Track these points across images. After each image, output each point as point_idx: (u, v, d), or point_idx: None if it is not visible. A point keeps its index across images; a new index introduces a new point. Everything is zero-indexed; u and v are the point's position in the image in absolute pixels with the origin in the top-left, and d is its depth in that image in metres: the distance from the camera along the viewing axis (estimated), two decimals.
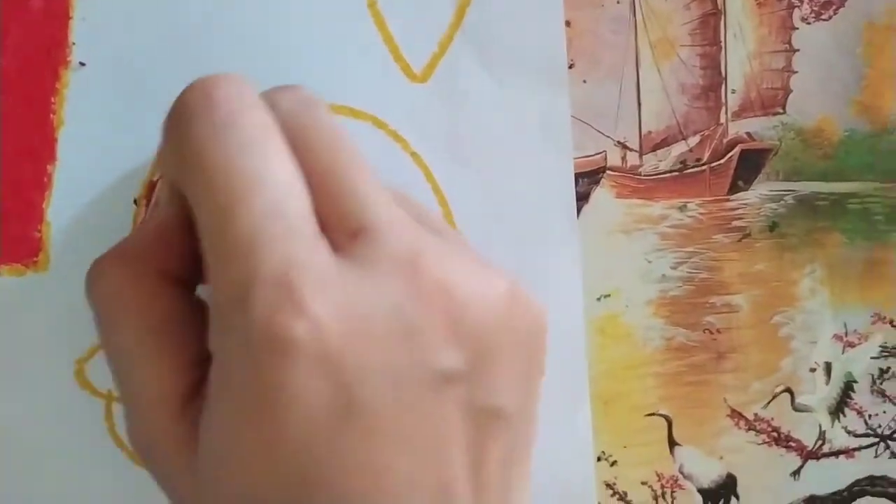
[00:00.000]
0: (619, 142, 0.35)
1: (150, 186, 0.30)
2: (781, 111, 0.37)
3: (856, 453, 0.39)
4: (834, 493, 0.39)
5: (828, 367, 0.38)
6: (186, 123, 0.23)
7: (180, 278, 0.26)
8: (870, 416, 0.39)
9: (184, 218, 0.25)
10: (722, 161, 0.36)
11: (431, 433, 0.22)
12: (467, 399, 0.23)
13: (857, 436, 0.39)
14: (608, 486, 0.36)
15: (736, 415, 0.37)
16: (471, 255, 0.25)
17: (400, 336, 0.22)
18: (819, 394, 0.38)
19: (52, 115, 0.29)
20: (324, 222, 0.23)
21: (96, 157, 0.30)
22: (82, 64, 0.29)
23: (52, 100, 0.29)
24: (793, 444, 0.38)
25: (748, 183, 0.37)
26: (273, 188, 0.22)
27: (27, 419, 0.30)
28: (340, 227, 0.23)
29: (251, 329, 0.21)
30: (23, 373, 0.30)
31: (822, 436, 0.39)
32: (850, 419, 0.39)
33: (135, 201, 0.30)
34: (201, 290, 0.26)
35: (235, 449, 0.22)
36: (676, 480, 0.37)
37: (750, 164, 0.36)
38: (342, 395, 0.21)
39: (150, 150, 0.30)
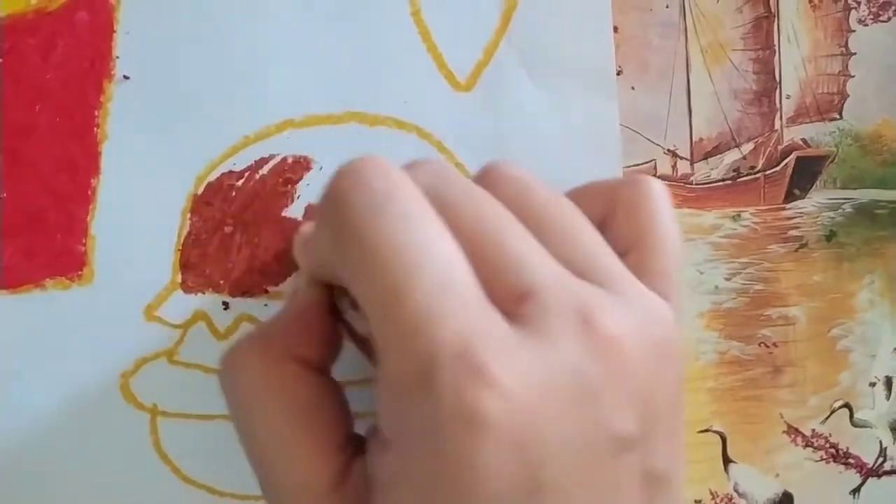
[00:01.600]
0: (669, 150, 0.35)
1: (195, 199, 0.30)
2: (838, 116, 0.36)
3: None
4: None
5: (888, 382, 0.38)
6: (343, 206, 0.23)
7: (318, 364, 0.26)
8: None
9: (322, 304, 0.26)
10: (777, 169, 0.36)
11: (609, 501, 0.22)
12: (641, 465, 0.22)
13: None
14: None
15: (793, 431, 0.37)
16: (626, 284, 0.24)
17: (581, 401, 0.21)
18: (879, 409, 0.38)
19: (95, 129, 0.29)
20: (487, 289, 0.22)
21: (140, 171, 0.30)
22: (126, 77, 0.29)
23: (96, 113, 0.29)
24: (852, 462, 0.38)
25: (804, 191, 0.36)
26: (439, 262, 0.22)
27: (73, 431, 0.30)
28: (505, 294, 0.22)
29: (438, 405, 0.20)
30: (69, 386, 0.30)
31: (882, 453, 0.38)
32: None
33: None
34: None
35: None
36: (731, 499, 0.37)
37: (806, 171, 0.36)
38: (529, 471, 0.21)
39: (192, 163, 0.30)
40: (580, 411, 0.21)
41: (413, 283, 0.21)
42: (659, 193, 0.27)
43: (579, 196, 0.28)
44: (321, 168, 0.31)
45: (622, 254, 0.26)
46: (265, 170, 0.31)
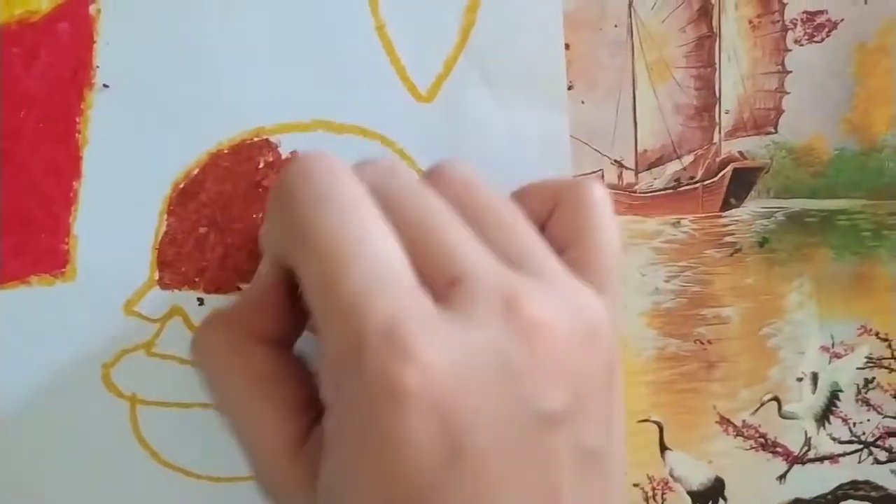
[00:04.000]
0: (615, 160, 0.36)
1: (171, 201, 0.31)
2: (773, 131, 0.37)
3: (840, 459, 0.39)
4: (819, 497, 0.39)
5: (814, 377, 0.39)
6: (290, 199, 0.25)
7: (279, 338, 0.28)
8: (854, 423, 0.39)
9: (281, 286, 0.27)
10: (715, 179, 0.37)
11: (538, 475, 0.23)
12: (571, 440, 0.23)
13: (841, 442, 0.39)
14: None
15: (725, 421, 0.38)
16: (556, 275, 0.25)
17: (503, 378, 0.22)
18: (805, 402, 0.39)
19: (77, 135, 0.30)
20: (421, 275, 0.23)
21: (119, 174, 0.30)
22: (106, 86, 0.30)
23: (78, 120, 0.30)
24: (779, 450, 0.39)
25: (740, 200, 0.37)
26: (373, 250, 0.23)
27: (56, 420, 0.31)
28: (437, 278, 0.24)
29: (365, 380, 0.22)
30: (52, 377, 0.31)
31: (807, 442, 0.39)
32: (836, 427, 0.39)
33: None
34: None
35: (353, 490, 0.23)
36: (667, 483, 0.38)
37: (742, 181, 0.37)
38: (451, 439, 0.21)
39: (169, 166, 0.31)
40: (502, 388, 0.22)
41: (348, 269, 0.23)
42: (598, 194, 0.28)
43: (525, 195, 0.29)
44: None
45: (562, 250, 0.27)
46: (238, 173, 0.31)
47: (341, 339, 0.22)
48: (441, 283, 0.23)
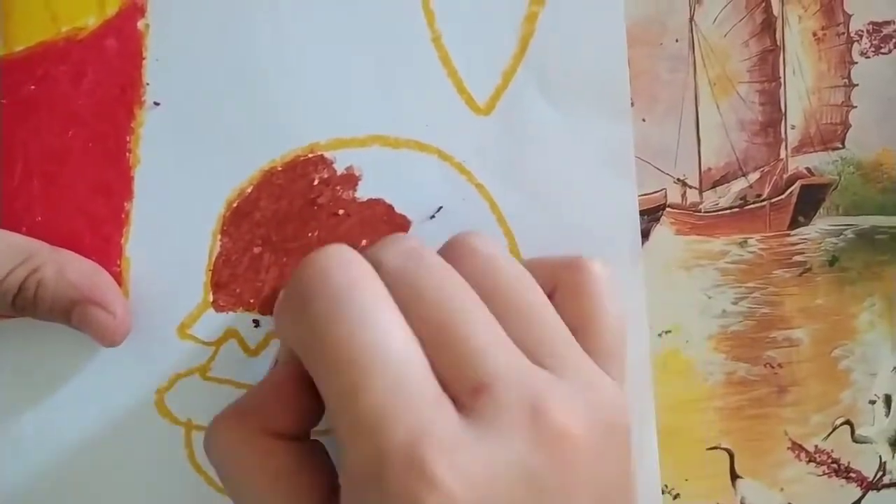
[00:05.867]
0: (678, 179, 0.31)
1: (225, 220, 0.27)
2: (841, 146, 0.32)
3: None
4: None
5: (887, 399, 0.33)
6: (304, 301, 0.21)
7: (294, 432, 0.24)
8: None
9: (299, 376, 0.24)
10: (782, 196, 0.31)
11: None
12: None
13: None
14: None
15: (796, 447, 0.33)
16: (578, 369, 0.22)
17: (526, 495, 0.20)
18: (879, 425, 0.33)
19: (128, 154, 0.26)
20: (443, 380, 0.21)
21: (172, 194, 0.27)
22: (157, 104, 0.26)
23: (128, 139, 0.26)
24: (853, 476, 0.33)
25: (808, 218, 0.32)
26: (394, 360, 0.20)
27: (112, 446, 0.27)
28: (460, 384, 0.21)
29: (386, 502, 0.19)
30: (106, 403, 0.27)
31: (882, 467, 0.34)
32: None
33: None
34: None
35: None
36: None
37: (810, 199, 0.32)
38: None
39: (222, 185, 0.27)
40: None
41: (367, 384, 0.20)
42: (598, 276, 0.25)
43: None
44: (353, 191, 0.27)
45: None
46: (292, 191, 0.27)
47: (362, 455, 0.20)
48: (465, 389, 0.21)
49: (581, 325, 0.24)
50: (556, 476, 0.20)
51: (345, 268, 0.21)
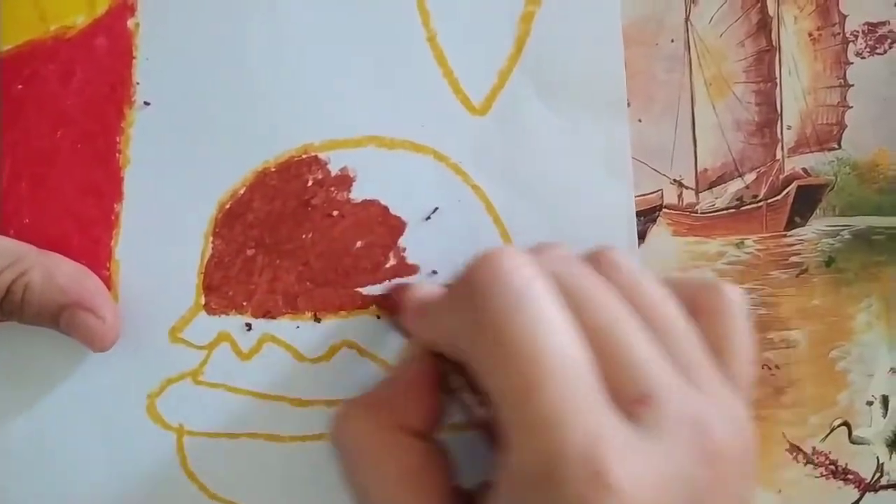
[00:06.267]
0: (675, 180, 0.30)
1: (217, 222, 0.26)
2: (837, 146, 0.31)
3: None
4: None
5: (885, 401, 0.33)
6: (482, 299, 0.21)
7: (423, 431, 0.24)
8: None
9: (432, 376, 0.24)
10: (779, 197, 0.31)
11: None
12: None
13: None
14: None
15: (794, 449, 0.32)
16: (722, 392, 0.22)
17: None
18: (876, 427, 0.33)
19: (118, 154, 0.25)
20: (609, 388, 0.21)
21: (163, 195, 0.26)
22: (147, 103, 0.25)
23: (118, 139, 0.25)
24: (850, 477, 0.33)
25: (805, 219, 0.31)
26: (571, 363, 0.20)
27: (101, 453, 0.27)
28: (625, 393, 0.21)
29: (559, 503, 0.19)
30: (95, 408, 0.26)
31: (879, 468, 0.33)
32: None
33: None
34: None
35: None
36: None
37: (806, 199, 0.31)
38: None
39: (214, 186, 0.26)
40: None
41: (544, 383, 0.20)
42: (738, 302, 0.25)
43: None
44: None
45: None
46: (286, 192, 0.26)
47: (534, 453, 0.19)
48: (629, 398, 0.20)
49: (718, 350, 0.24)
50: (714, 493, 0.20)
51: (521, 268, 0.21)
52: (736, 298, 0.25)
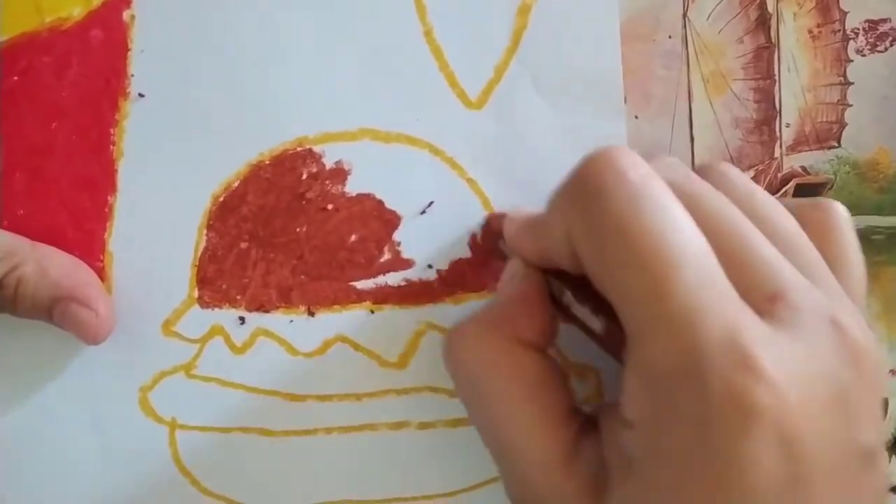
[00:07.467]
0: None
1: (211, 215, 0.26)
2: (836, 145, 0.31)
3: None
4: None
5: (884, 403, 0.32)
6: (601, 195, 0.20)
7: (541, 343, 0.24)
8: None
9: (543, 290, 0.24)
10: (777, 196, 0.31)
11: None
12: (876, 482, 0.20)
13: None
14: None
15: None
16: (844, 297, 0.21)
17: (839, 409, 0.19)
18: None
19: (112, 147, 0.25)
20: (737, 288, 0.20)
21: (157, 188, 0.26)
22: (141, 95, 0.25)
23: (112, 131, 0.25)
24: None
25: None
26: (699, 257, 0.19)
27: (94, 446, 0.27)
28: (756, 292, 0.20)
29: (706, 395, 0.18)
30: (87, 401, 0.26)
31: None
32: None
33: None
34: None
35: None
36: None
37: (805, 198, 0.31)
38: (792, 467, 0.18)
39: (208, 179, 0.26)
40: (838, 418, 0.19)
41: (677, 277, 0.19)
42: (846, 218, 0.24)
43: None
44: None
45: None
46: (280, 185, 0.26)
47: (672, 349, 0.19)
48: (760, 296, 0.20)
49: (832, 265, 0.23)
50: (859, 391, 0.19)
51: (637, 166, 0.21)
52: (846, 215, 0.24)
